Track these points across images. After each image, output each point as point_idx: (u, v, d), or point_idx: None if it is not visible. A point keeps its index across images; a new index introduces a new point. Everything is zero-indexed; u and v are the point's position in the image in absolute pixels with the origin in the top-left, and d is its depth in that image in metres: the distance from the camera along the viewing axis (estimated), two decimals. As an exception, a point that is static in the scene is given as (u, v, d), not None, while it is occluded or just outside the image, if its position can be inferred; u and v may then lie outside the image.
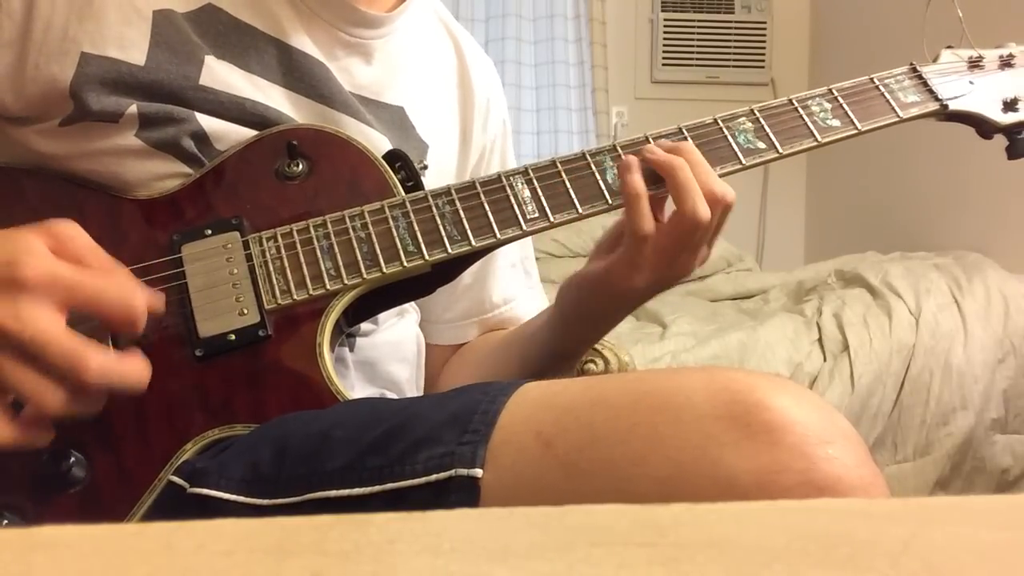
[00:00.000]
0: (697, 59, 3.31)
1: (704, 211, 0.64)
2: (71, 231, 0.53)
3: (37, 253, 0.51)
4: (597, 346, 0.92)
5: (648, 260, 0.66)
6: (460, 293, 0.87)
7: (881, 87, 0.75)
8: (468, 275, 0.85)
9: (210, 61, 0.69)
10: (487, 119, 0.88)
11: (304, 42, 0.73)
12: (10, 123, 0.69)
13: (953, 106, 0.76)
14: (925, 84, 0.76)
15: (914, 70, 0.77)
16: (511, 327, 0.89)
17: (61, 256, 0.52)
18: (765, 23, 3.31)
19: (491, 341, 0.88)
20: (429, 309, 0.89)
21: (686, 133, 0.70)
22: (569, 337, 0.77)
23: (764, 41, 3.32)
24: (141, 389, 0.54)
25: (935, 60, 0.79)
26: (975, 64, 0.78)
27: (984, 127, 0.78)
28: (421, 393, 0.85)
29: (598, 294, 0.71)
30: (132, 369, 0.53)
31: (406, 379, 0.82)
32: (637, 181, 0.65)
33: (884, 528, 0.27)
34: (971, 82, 0.77)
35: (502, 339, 0.87)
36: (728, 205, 0.66)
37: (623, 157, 0.67)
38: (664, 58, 3.30)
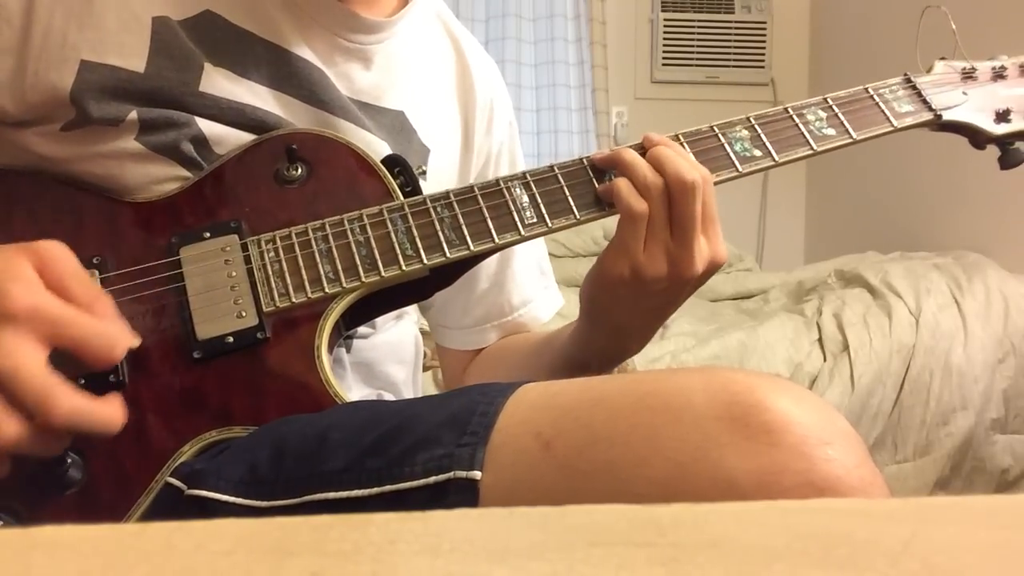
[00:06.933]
0: (697, 59, 3.31)
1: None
2: (58, 252, 0.53)
3: (25, 279, 0.50)
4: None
5: (635, 243, 0.65)
6: (478, 298, 0.87)
7: (876, 97, 0.76)
8: (485, 280, 0.85)
9: (208, 68, 0.69)
10: (491, 121, 0.87)
11: (302, 48, 0.73)
12: (9, 126, 0.68)
13: (947, 116, 0.77)
14: (919, 94, 0.77)
15: (908, 80, 0.78)
16: (529, 329, 0.89)
17: (45, 277, 0.51)
18: (765, 23, 3.31)
19: (522, 348, 0.87)
20: (446, 314, 0.89)
21: (683, 140, 0.70)
22: (586, 345, 0.75)
23: (764, 41, 3.32)
24: (111, 433, 0.52)
25: (929, 71, 0.80)
26: (968, 75, 0.80)
27: (977, 137, 0.79)
28: (418, 394, 0.85)
29: (596, 287, 0.70)
30: (104, 414, 0.52)
31: (403, 380, 0.82)
32: (623, 151, 0.67)
33: (884, 528, 0.27)
34: (964, 93, 0.78)
35: (533, 347, 0.85)
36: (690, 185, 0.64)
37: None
38: (664, 58, 3.30)
